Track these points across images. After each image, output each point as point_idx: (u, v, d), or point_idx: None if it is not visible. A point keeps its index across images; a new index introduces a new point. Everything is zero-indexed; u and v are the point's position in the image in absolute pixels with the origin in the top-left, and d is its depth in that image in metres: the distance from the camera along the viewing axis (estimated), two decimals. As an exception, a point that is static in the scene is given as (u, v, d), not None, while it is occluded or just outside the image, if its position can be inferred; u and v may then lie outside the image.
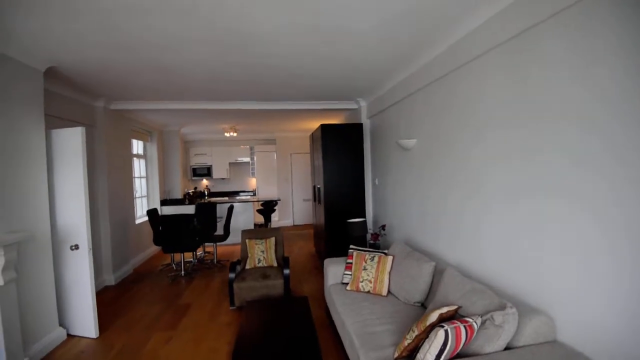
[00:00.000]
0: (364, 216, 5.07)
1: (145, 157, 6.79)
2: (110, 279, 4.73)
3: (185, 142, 9.18)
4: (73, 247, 3.18)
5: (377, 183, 4.96)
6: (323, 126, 4.96)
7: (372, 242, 4.34)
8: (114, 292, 4.51)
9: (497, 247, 2.37)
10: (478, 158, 2.53)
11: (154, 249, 6.36)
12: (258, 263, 4.08)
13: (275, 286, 3.68)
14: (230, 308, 3.79)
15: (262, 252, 4.11)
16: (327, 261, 3.55)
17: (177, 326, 3.44)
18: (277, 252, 4.24)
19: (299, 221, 9.20)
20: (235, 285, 3.67)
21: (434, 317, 1.93)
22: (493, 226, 2.40)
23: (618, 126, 1.50)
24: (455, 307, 2.01)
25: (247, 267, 4.07)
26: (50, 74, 3.37)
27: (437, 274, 2.69)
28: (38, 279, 2.97)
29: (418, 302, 2.75)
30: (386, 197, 4.59)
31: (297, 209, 9.17)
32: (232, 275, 3.75)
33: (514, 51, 2.12)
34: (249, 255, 4.13)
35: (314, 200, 5.95)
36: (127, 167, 5.52)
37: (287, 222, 9.15)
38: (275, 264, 4.09)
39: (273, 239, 4.25)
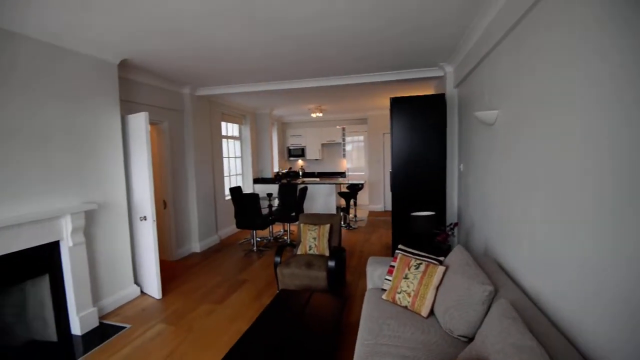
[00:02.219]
0: (444, 209, 4.22)
1: (240, 138, 7.34)
2: (196, 247, 5.35)
3: (282, 123, 9.60)
4: (142, 218, 3.62)
5: (461, 169, 4.02)
6: (393, 100, 4.26)
7: (440, 242, 3.55)
8: (197, 258, 5.07)
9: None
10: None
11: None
12: (309, 250, 3.87)
13: (317, 278, 3.41)
14: (277, 291, 3.72)
15: (314, 239, 3.87)
16: (370, 260, 3.06)
17: (224, 301, 3.58)
18: (332, 240, 3.93)
19: (390, 206, 8.55)
20: (278, 270, 3.56)
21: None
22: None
23: None
24: (482, 364, 1.35)
25: (298, 252, 3.91)
26: (135, 67, 3.82)
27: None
28: (117, 242, 3.50)
29: (464, 336, 2.04)
30: (469, 188, 3.66)
31: (388, 194, 8.50)
32: (277, 259, 3.66)
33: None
34: (302, 240, 3.96)
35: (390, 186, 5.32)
36: (217, 148, 6.04)
37: (378, 206, 8.64)
38: (326, 253, 3.80)
39: (328, 226, 3.94)
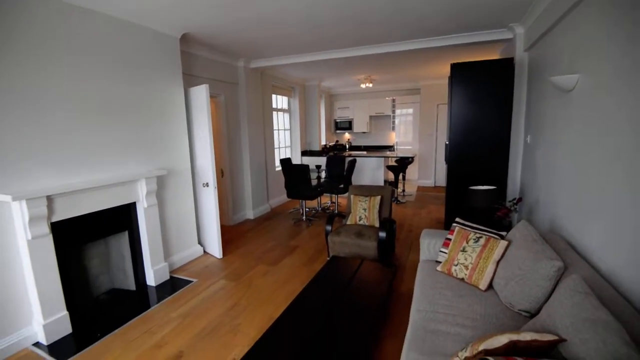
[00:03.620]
0: (505, 184, 3.99)
1: (289, 111, 7.42)
2: (250, 213, 5.65)
3: (330, 95, 9.49)
4: (205, 185, 3.87)
5: (528, 141, 3.72)
6: (454, 66, 3.99)
7: (500, 218, 3.38)
8: (251, 224, 5.38)
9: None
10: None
11: (293, 193, 7.15)
12: (359, 220, 3.91)
13: (367, 247, 3.46)
14: (327, 259, 3.86)
15: (364, 210, 3.89)
16: (424, 232, 3.01)
17: (278, 264, 3.79)
18: (382, 212, 3.93)
19: (441, 182, 8.25)
20: (329, 238, 3.66)
21: (501, 340, 1.32)
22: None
23: None
24: (553, 337, 1.31)
25: (348, 222, 3.98)
26: (193, 40, 3.95)
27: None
28: (183, 205, 3.81)
29: (526, 311, 1.97)
30: (536, 161, 3.40)
31: (439, 169, 8.21)
32: (328, 227, 3.76)
33: None
34: (352, 211, 4.00)
35: (445, 159, 5.10)
36: (268, 120, 6.18)
37: (428, 182, 8.38)
38: (376, 225, 3.82)
39: (378, 197, 3.93)
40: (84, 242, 2.92)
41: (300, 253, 4.12)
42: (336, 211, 5.85)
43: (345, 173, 5.69)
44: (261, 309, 2.88)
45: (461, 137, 4.06)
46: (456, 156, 4.13)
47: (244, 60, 5.25)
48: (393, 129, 9.06)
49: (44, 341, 2.48)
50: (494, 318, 1.96)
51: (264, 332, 2.11)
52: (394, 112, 8.91)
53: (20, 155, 2.38)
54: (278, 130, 6.90)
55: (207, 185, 3.85)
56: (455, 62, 4.12)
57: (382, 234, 3.45)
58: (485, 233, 2.51)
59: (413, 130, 8.67)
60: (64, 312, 2.59)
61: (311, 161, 7.20)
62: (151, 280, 3.35)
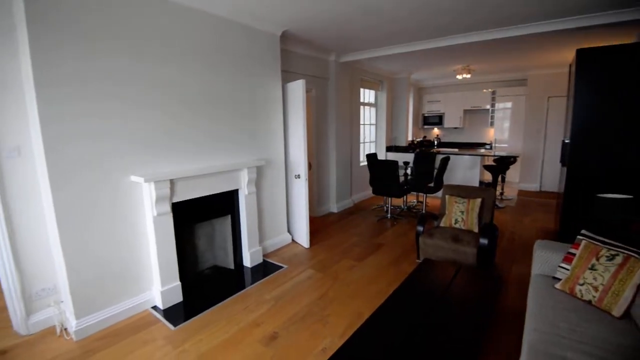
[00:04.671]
0: (644, 193, 3.27)
1: (376, 105, 7.27)
2: (334, 207, 5.73)
3: (419, 88, 9.02)
4: (296, 176, 4.03)
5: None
6: (580, 52, 3.38)
7: (634, 233, 2.77)
8: (334, 217, 5.44)
9: None
10: None
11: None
12: (454, 223, 3.62)
13: (465, 253, 3.18)
14: (417, 260, 3.68)
15: (462, 212, 3.59)
16: (538, 244, 2.64)
17: (363, 260, 3.75)
18: (482, 216, 3.57)
19: (549, 187, 7.20)
20: (421, 240, 3.47)
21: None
22: None
23: None
24: None
25: (442, 224, 3.71)
26: (290, 37, 4.11)
27: None
28: (276, 195, 4.03)
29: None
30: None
31: (548, 171, 7.16)
32: (420, 228, 3.57)
33: None
34: (446, 212, 3.73)
35: (561, 161, 4.41)
36: (355, 114, 6.14)
37: (532, 186, 7.40)
38: (475, 229, 3.49)
39: (479, 200, 3.58)
40: (195, 222, 3.29)
41: (386, 251, 4.01)
42: (423, 211, 5.55)
43: (436, 171, 5.35)
44: (349, 303, 2.88)
45: (586, 135, 3.44)
46: (578, 157, 3.53)
47: (335, 55, 5.29)
48: (491, 124, 8.21)
49: (160, 305, 2.87)
50: (630, 350, 1.62)
51: (352, 329, 2.09)
52: (493, 105, 8.05)
53: (148, 144, 2.77)
54: (364, 124, 6.83)
55: (299, 177, 3.99)
56: (580, 47, 3.50)
57: (484, 241, 3.13)
58: (623, 251, 2.08)
59: (511, 127, 7.75)
60: (177, 282, 2.96)
61: (397, 157, 6.96)
62: (247, 261, 3.62)
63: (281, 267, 3.59)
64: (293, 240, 4.32)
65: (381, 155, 7.31)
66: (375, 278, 3.34)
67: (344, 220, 5.33)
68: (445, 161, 5.38)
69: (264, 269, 3.58)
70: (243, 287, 3.19)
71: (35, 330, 2.57)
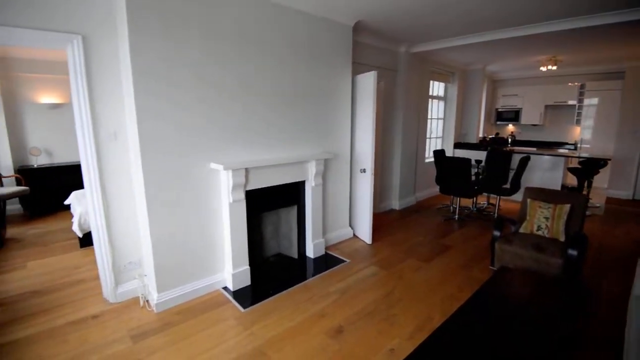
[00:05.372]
0: None
1: (445, 98, 6.86)
2: (395, 204, 5.56)
3: (493, 81, 8.32)
4: (362, 170, 3.95)
5: None
6: None
7: None
8: (396, 215, 5.28)
9: None
10: None
11: (437, 188, 6.63)
12: (537, 230, 3.27)
13: (549, 264, 2.86)
14: (490, 267, 3.41)
15: (546, 219, 3.23)
16: (647, 260, 2.27)
17: (430, 261, 3.57)
18: (570, 225, 3.18)
19: (648, 195, 6.24)
20: (497, 245, 3.20)
21: None
22: None
23: None
24: None
25: (521, 230, 3.38)
26: (361, 28, 4.00)
27: None
28: (340, 188, 4.00)
29: None
30: None
31: (647, 177, 6.20)
32: (496, 232, 3.28)
33: None
34: (528, 217, 3.38)
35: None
36: (423, 108, 5.86)
37: (623, 193, 6.45)
38: (560, 238, 3.11)
39: (567, 206, 3.19)
40: (263, 210, 3.38)
41: (454, 254, 3.78)
42: (495, 214, 5.14)
43: (515, 172, 4.90)
44: (416, 305, 2.75)
45: None
46: None
47: (406, 46, 5.06)
48: (577, 122, 7.30)
49: (230, 287, 3.01)
50: None
51: (421, 332, 1.98)
52: (580, 101, 7.15)
53: (225, 134, 2.90)
54: (431, 119, 6.49)
55: (364, 171, 3.91)
56: None
57: (573, 252, 2.78)
58: None
59: (595, 125, 6.81)
60: (246, 267, 3.08)
61: (466, 154, 6.48)
62: (310, 252, 3.66)
63: (344, 261, 3.56)
64: (354, 234, 4.27)
65: (448, 152, 6.91)
66: (443, 281, 3.16)
67: (407, 218, 5.14)
68: (524, 161, 4.90)
69: (327, 261, 3.58)
70: (306, 278, 3.23)
71: (121, 299, 2.86)
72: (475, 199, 5.42)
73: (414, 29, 4.26)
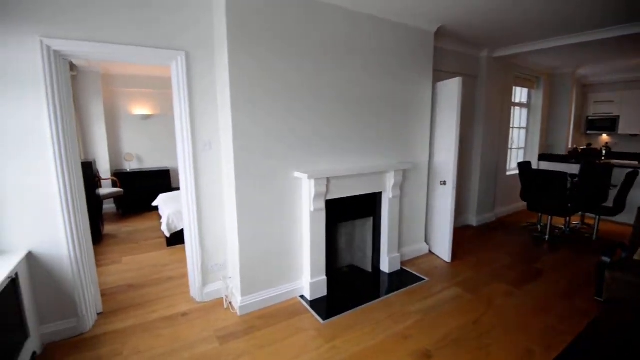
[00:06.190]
0: None
1: (529, 105, 6.27)
2: (472, 220, 5.16)
3: (583, 86, 7.44)
4: (442, 183, 3.73)
5: None
6: None
7: None
8: (473, 232, 4.89)
9: None
10: None
11: (521, 204, 6.05)
12: (661, 259, 2.77)
13: (686, 302, 2.38)
14: (595, 298, 2.96)
15: (675, 246, 2.72)
16: None
17: (522, 287, 3.21)
18: None
19: None
20: (607, 273, 2.76)
21: None
22: None
23: None
24: None
25: (636, 257, 2.89)
26: (440, 33, 3.82)
27: None
28: (416, 200, 3.81)
29: None
30: None
31: None
32: (605, 259, 2.84)
33: None
34: (647, 243, 2.89)
35: None
36: (505, 116, 5.41)
37: None
38: (698, 271, 2.59)
39: None
40: (340, 220, 3.34)
41: (550, 280, 3.35)
42: (594, 237, 4.51)
43: (619, 189, 4.27)
44: (511, 335, 2.47)
45: None
46: None
47: (488, 50, 4.73)
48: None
49: (308, 296, 2.99)
50: None
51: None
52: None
53: (308, 144, 2.91)
54: (512, 128, 5.97)
55: (444, 184, 3.68)
56: None
57: None
58: None
59: None
60: (323, 277, 3.04)
61: (552, 167, 5.87)
62: (385, 266, 3.52)
63: (422, 279, 3.36)
64: (430, 251, 4.03)
65: (533, 165, 6.29)
66: (540, 311, 2.80)
67: (486, 235, 4.73)
68: (632, 177, 4.25)
69: (403, 277, 3.41)
70: (383, 293, 3.09)
71: (207, 299, 2.99)
72: (568, 218, 4.82)
73: (499, 32, 3.95)
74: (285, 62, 2.70)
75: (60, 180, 2.33)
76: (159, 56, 2.57)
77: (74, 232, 2.43)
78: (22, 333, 2.11)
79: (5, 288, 1.88)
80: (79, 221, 2.47)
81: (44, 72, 2.19)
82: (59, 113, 2.28)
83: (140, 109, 6.49)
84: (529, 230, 4.92)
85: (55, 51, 2.22)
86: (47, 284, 2.40)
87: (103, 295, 2.95)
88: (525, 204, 5.59)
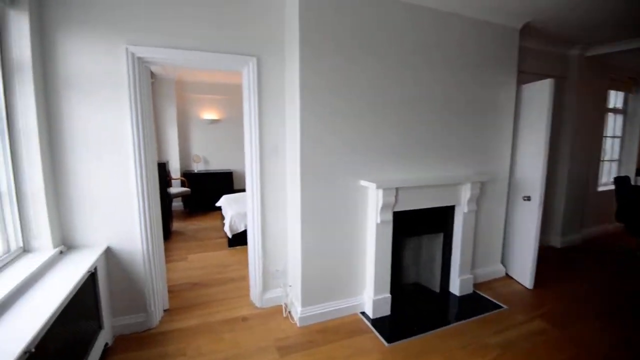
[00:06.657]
0: None
1: (625, 112, 5.41)
2: (555, 240, 4.54)
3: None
4: (525, 198, 3.30)
5: None
6: None
7: None
8: (556, 254, 4.29)
9: None
10: None
11: (616, 225, 5.21)
12: None
13: None
14: None
15: None
16: None
17: (619, 325, 2.68)
18: None
19: None
20: None
21: None
22: None
23: None
24: None
25: None
26: (525, 30, 3.41)
27: None
28: (493, 217, 3.42)
29: None
30: None
31: None
32: None
33: None
34: None
35: None
36: (598, 124, 4.71)
37: None
38: None
39: None
40: (408, 235, 3.08)
41: (662, 321, 2.77)
42: None
43: None
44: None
45: None
46: None
47: (580, 48, 4.14)
48: None
49: (370, 314, 2.79)
50: None
51: None
52: None
53: (375, 151, 2.74)
54: (605, 137, 5.19)
55: (529, 199, 3.25)
56: None
57: None
58: None
59: None
60: (387, 294, 2.83)
61: (655, 185, 4.99)
62: (455, 288, 3.19)
63: (500, 306, 2.97)
64: (507, 274, 3.59)
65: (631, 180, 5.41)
66: (654, 360, 2.30)
67: (573, 259, 4.12)
68: None
69: (476, 302, 3.06)
70: (454, 319, 2.79)
71: (266, 305, 2.95)
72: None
73: (595, 27, 3.41)
74: (355, 64, 2.57)
75: (139, 180, 2.44)
76: (232, 61, 2.61)
77: (148, 228, 2.53)
78: (97, 324, 2.23)
79: (85, 281, 1.99)
80: (152, 218, 2.58)
81: (128, 77, 2.32)
82: (140, 117, 2.40)
83: (208, 114, 6.86)
84: (626, 255, 4.18)
85: (139, 58, 2.34)
86: (122, 278, 2.52)
87: (170, 292, 3.05)
88: (621, 225, 4.81)
